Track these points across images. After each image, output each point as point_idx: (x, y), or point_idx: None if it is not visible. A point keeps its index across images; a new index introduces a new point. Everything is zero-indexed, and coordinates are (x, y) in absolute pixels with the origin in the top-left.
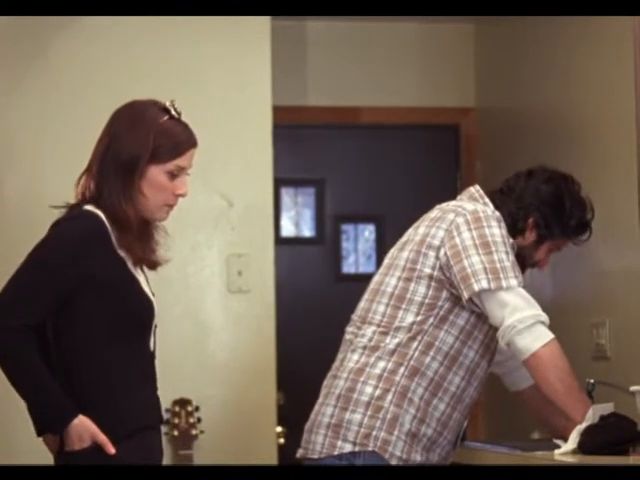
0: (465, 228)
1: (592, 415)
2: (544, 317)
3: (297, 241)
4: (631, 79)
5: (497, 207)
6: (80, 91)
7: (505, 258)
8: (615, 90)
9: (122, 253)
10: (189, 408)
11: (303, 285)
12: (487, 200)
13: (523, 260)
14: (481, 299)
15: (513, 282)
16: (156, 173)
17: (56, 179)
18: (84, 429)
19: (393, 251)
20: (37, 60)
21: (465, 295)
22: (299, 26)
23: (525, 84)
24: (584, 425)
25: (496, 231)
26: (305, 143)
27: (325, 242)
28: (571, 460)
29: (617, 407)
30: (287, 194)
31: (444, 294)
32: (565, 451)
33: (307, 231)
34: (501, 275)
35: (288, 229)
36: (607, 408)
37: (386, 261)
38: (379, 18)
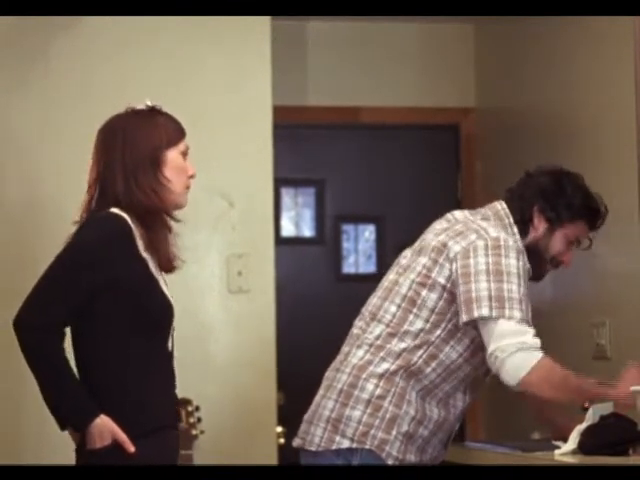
0: (482, 252)
1: (592, 415)
2: (529, 344)
3: (297, 241)
4: (631, 79)
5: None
6: (80, 91)
7: (515, 290)
8: (615, 90)
9: (145, 255)
10: (189, 408)
11: (303, 285)
12: (512, 220)
13: (541, 254)
14: (479, 325)
15: (517, 314)
16: (174, 155)
17: (57, 179)
18: (105, 428)
19: (411, 253)
20: (38, 60)
21: (464, 318)
22: (299, 26)
23: (525, 84)
24: (584, 425)
25: (513, 262)
26: (305, 143)
27: (325, 242)
28: (571, 460)
29: (617, 407)
30: (287, 194)
31: (453, 308)
32: (565, 451)
33: (307, 231)
34: (506, 305)
35: (288, 229)
36: (607, 408)
37: (402, 261)
38: (379, 18)
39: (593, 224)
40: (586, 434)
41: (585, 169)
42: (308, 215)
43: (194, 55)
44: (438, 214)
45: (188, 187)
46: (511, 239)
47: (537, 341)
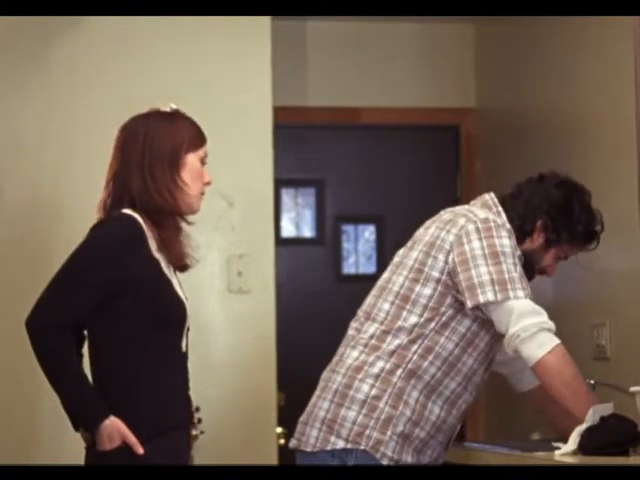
0: (475, 237)
1: (592, 416)
2: (549, 324)
3: (297, 242)
4: (631, 79)
5: (507, 211)
6: (81, 92)
7: (513, 269)
8: (615, 90)
9: (157, 255)
10: None
11: (303, 286)
12: (500, 209)
13: (531, 264)
14: (487, 309)
15: (520, 293)
16: (193, 160)
17: (58, 180)
18: (115, 429)
19: (403, 250)
20: (39, 61)
21: (469, 304)
22: (299, 26)
23: (525, 84)
24: (584, 426)
25: (506, 242)
26: (305, 143)
27: (325, 243)
28: (571, 461)
29: (617, 407)
30: (287, 195)
31: (448, 300)
32: (565, 452)
33: (307, 232)
34: (509, 286)
35: (288, 230)
36: (607, 409)
37: (396, 259)
38: (379, 18)
39: (587, 246)
40: (586, 435)
41: (585, 169)
42: (308, 215)
43: (194, 55)
44: None
45: (203, 193)
46: (499, 219)
47: (553, 324)
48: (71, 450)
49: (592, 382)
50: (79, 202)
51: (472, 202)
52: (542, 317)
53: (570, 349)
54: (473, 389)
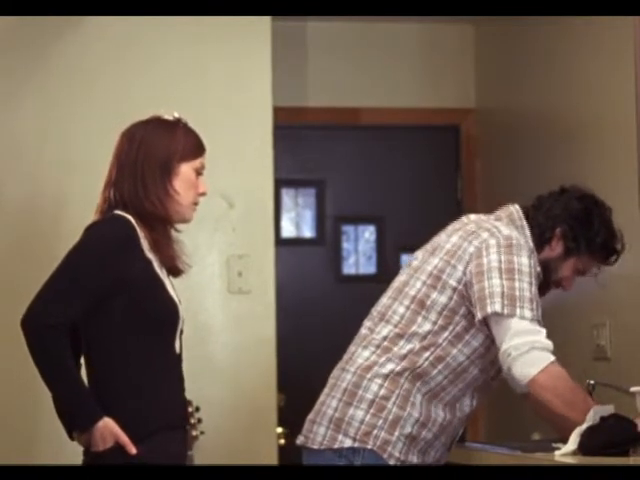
0: (494, 250)
1: (592, 416)
2: (543, 343)
3: (297, 242)
4: (631, 79)
5: (527, 220)
6: (80, 92)
7: (527, 288)
8: (615, 90)
9: (150, 255)
10: (189, 409)
11: (303, 286)
12: (524, 223)
13: (549, 274)
14: (491, 321)
15: (527, 313)
16: (187, 170)
17: (57, 180)
18: (107, 430)
19: (423, 254)
20: (38, 61)
21: (479, 315)
22: (299, 26)
23: (525, 84)
24: (584, 426)
25: (524, 260)
26: (305, 144)
27: (325, 243)
28: (571, 461)
29: (617, 408)
30: (287, 195)
31: (462, 310)
32: (565, 452)
33: (307, 232)
34: (517, 303)
35: (288, 230)
36: (607, 409)
37: (414, 262)
38: (379, 18)
39: (606, 261)
40: (586, 435)
41: (585, 169)
42: (308, 216)
43: (194, 56)
44: (438, 214)
45: (196, 203)
46: (522, 238)
47: (550, 343)
48: (71, 450)
49: (592, 382)
50: (79, 202)
51: (497, 212)
52: (536, 336)
53: (570, 349)
54: (476, 394)
